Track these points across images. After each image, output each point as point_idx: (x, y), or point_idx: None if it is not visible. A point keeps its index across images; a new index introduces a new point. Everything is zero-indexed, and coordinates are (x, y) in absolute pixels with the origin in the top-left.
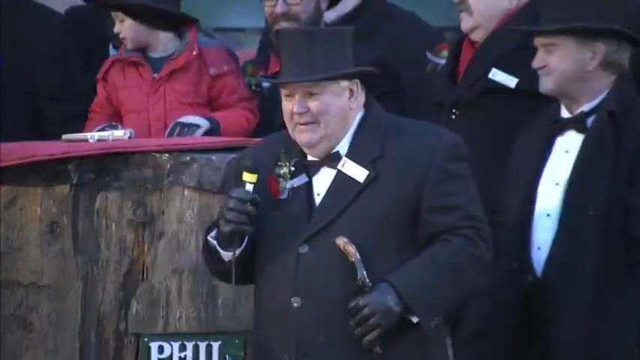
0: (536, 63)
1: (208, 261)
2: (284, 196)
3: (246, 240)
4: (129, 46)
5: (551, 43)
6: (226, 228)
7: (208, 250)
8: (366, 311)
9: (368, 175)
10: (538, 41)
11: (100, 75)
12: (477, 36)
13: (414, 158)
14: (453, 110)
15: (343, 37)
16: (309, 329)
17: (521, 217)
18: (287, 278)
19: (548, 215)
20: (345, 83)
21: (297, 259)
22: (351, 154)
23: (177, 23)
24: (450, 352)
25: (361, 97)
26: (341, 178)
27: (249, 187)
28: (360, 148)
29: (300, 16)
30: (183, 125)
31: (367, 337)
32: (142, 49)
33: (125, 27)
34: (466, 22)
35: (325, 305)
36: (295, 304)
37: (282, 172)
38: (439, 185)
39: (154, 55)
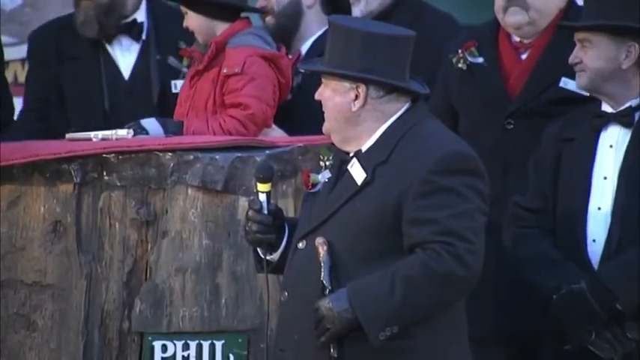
0: (570, 58)
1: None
2: (315, 189)
3: (283, 244)
4: (200, 40)
5: (586, 39)
6: (247, 238)
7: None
8: (317, 314)
9: (365, 179)
10: (576, 36)
11: None
12: (526, 33)
13: (406, 167)
14: (510, 121)
15: (380, 42)
16: (287, 325)
17: (576, 211)
18: (285, 271)
19: (599, 209)
20: (347, 84)
21: (294, 254)
22: (362, 157)
23: (234, 13)
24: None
25: (376, 104)
26: (346, 179)
27: (263, 197)
28: (372, 152)
29: (274, 8)
30: (139, 126)
31: (320, 340)
32: None
33: (189, 19)
34: (521, 18)
35: (303, 303)
36: (282, 298)
37: (320, 165)
38: (421, 197)
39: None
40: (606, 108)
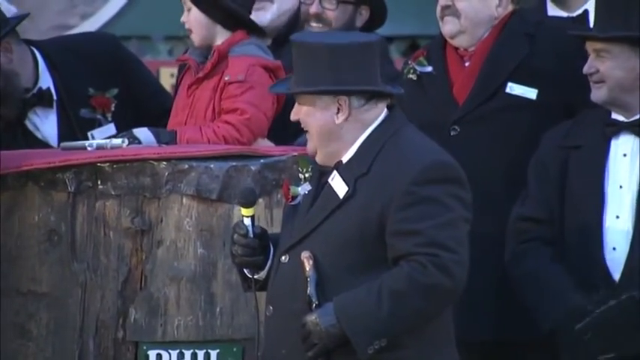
0: (585, 68)
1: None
2: (295, 202)
3: (269, 262)
4: (195, 41)
5: (604, 49)
6: (234, 261)
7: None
8: (304, 330)
9: (346, 192)
10: (590, 46)
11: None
12: (462, 42)
13: (387, 179)
14: (454, 127)
15: (346, 52)
16: (274, 340)
17: (591, 220)
18: (270, 286)
19: (618, 217)
20: (327, 98)
21: (277, 268)
22: (342, 169)
23: (237, 23)
24: None
25: (357, 114)
26: (327, 192)
27: (247, 221)
28: (352, 164)
29: (332, 22)
30: (131, 135)
31: (308, 355)
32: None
33: (191, 16)
34: (452, 27)
35: (290, 317)
36: (267, 313)
37: (299, 177)
38: (404, 209)
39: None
40: (617, 116)
